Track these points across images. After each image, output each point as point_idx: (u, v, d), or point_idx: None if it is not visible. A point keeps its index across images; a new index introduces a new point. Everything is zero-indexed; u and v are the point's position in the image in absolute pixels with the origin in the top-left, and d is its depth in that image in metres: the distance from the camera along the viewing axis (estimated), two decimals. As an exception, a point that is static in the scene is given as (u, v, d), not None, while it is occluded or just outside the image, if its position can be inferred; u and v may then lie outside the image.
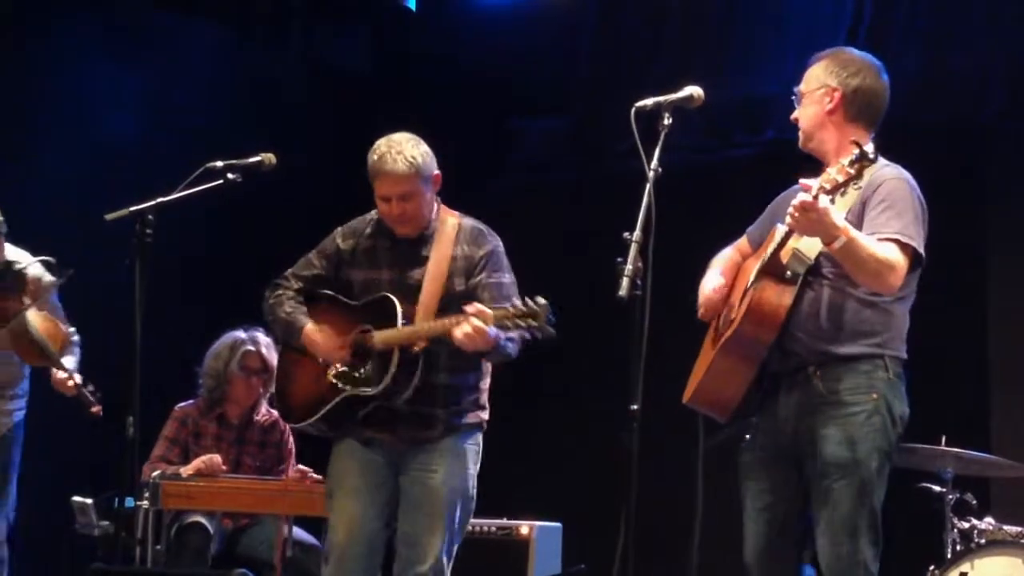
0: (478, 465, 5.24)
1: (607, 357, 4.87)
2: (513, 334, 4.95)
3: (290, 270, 5.36)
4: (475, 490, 5.23)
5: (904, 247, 4.43)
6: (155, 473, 6.28)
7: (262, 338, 6.78)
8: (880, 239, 4.41)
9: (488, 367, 5.26)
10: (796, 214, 4.29)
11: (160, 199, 5.23)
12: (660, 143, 4.44)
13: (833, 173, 4.26)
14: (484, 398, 5.27)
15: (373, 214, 5.28)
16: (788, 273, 4.53)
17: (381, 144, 5.15)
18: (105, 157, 7.76)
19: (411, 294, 5.11)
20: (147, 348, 5.12)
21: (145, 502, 6.12)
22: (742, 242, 4.92)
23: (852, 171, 4.21)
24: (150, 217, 5.19)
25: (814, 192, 4.26)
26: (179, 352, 6.93)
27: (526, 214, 5.25)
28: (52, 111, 7.76)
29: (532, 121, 8.78)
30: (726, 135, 8.00)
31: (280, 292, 5.31)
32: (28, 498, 5.87)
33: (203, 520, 6.51)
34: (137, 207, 5.20)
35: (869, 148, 4.22)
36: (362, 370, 5.11)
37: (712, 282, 4.81)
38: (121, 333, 5.33)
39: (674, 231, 4.53)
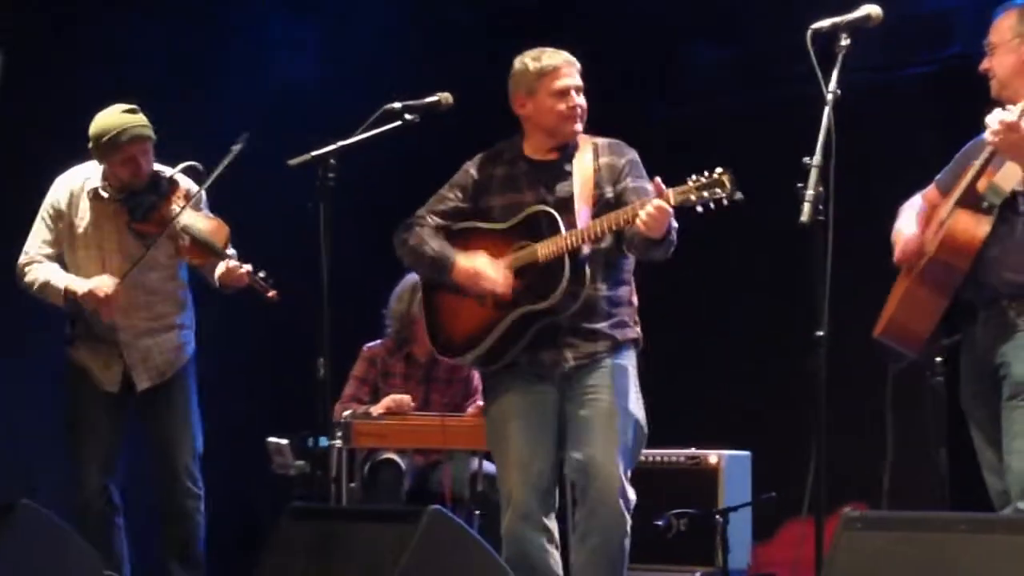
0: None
1: (790, 284, 4.82)
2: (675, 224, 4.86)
3: (422, 209, 5.28)
4: (643, 406, 5.14)
5: None
6: (346, 413, 6.39)
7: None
8: None
9: (634, 283, 5.20)
10: (1000, 131, 4.25)
11: (341, 143, 5.29)
12: (838, 65, 4.39)
13: None
14: (636, 314, 5.20)
15: (503, 143, 5.25)
16: (984, 204, 4.51)
17: (528, 52, 5.15)
18: (285, 102, 7.87)
19: (562, 207, 5.04)
20: (334, 290, 5.21)
21: (338, 441, 6.24)
22: (930, 191, 4.88)
23: None
24: (332, 161, 5.26)
25: (1017, 114, 4.22)
26: (365, 292, 7.02)
27: (699, 143, 5.19)
28: (231, 59, 7.89)
29: (704, 48, 8.69)
30: (908, 53, 7.83)
31: (419, 229, 5.21)
32: (225, 440, 6.01)
33: (395, 457, 6.62)
34: (319, 151, 5.27)
35: None
36: (527, 287, 5.03)
37: (908, 227, 4.77)
38: (308, 276, 5.44)
39: (854, 154, 4.47)
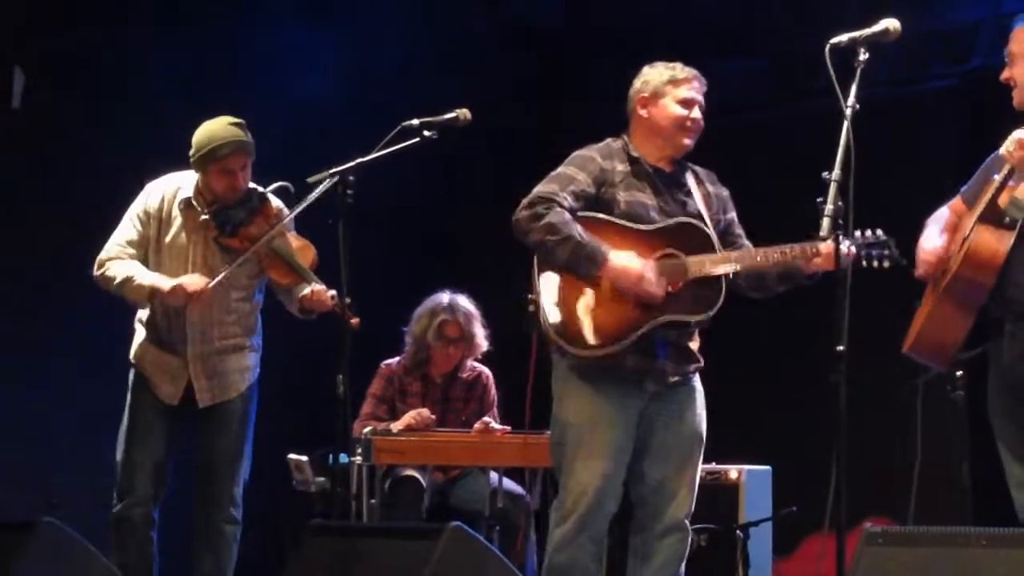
0: None
1: (811, 298, 4.82)
2: None
3: (550, 186, 4.96)
4: None
5: None
6: (367, 429, 6.39)
7: (462, 306, 6.82)
8: None
9: None
10: (1015, 149, 4.26)
11: (359, 159, 5.30)
12: (856, 79, 4.39)
13: None
14: None
15: (610, 141, 5.14)
16: (1007, 219, 4.51)
17: (658, 63, 5.14)
18: (303, 119, 7.89)
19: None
20: (354, 307, 5.20)
21: (358, 458, 6.24)
22: (956, 202, 4.87)
23: None
24: (351, 178, 5.27)
25: None
26: (384, 309, 7.03)
27: (720, 156, 5.20)
28: (251, 76, 7.91)
29: (726, 63, 8.69)
30: (926, 67, 7.82)
31: (559, 210, 4.89)
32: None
33: (416, 474, 6.62)
34: (337, 168, 5.28)
35: None
36: (676, 295, 4.92)
37: (932, 241, 4.76)
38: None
39: (874, 168, 4.47)
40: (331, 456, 5.60)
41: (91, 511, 5.96)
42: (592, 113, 5.17)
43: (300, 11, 8.25)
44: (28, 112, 7.21)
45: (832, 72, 4.35)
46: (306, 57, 8.25)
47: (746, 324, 7.69)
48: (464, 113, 5.41)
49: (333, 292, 5.61)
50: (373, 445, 6.26)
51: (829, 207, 4.28)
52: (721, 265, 4.93)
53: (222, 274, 5.68)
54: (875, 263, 4.78)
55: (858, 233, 4.76)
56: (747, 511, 6.96)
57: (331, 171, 5.28)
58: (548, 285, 4.98)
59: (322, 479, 6.55)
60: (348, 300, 5.41)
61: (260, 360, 5.96)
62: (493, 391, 6.89)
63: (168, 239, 5.80)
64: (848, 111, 4.35)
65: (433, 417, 6.62)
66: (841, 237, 4.46)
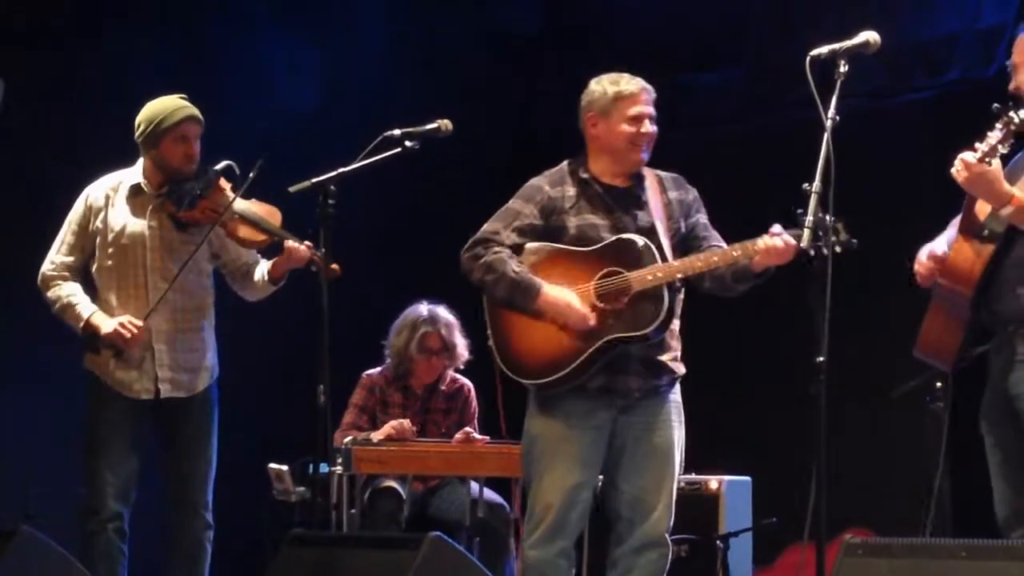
0: None
1: (791, 309, 4.83)
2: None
3: (495, 224, 5.07)
4: None
5: None
6: (347, 439, 6.39)
7: (443, 316, 6.82)
8: None
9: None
10: (961, 169, 4.32)
11: (341, 170, 5.30)
12: (836, 91, 4.41)
13: (990, 135, 4.29)
14: None
15: (568, 164, 5.15)
16: (985, 232, 4.53)
17: (605, 76, 5.09)
18: (284, 129, 7.89)
19: (647, 237, 4.98)
20: (333, 316, 5.20)
21: (339, 468, 6.23)
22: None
23: (1000, 132, 4.30)
24: (332, 188, 5.27)
25: (978, 155, 4.28)
26: (365, 319, 7.03)
27: (700, 168, 5.21)
28: (231, 85, 7.91)
29: (704, 75, 8.71)
30: (905, 79, 7.85)
31: (497, 248, 5.01)
32: (226, 466, 6.00)
33: (395, 484, 6.61)
34: (319, 178, 5.28)
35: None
36: (619, 313, 4.92)
37: (929, 249, 4.78)
38: (308, 303, 5.44)
39: (854, 180, 4.48)
40: (311, 466, 5.60)
41: (69, 522, 5.92)
42: (569, 121, 5.16)
43: (280, 19, 8.25)
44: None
45: (812, 84, 4.37)
46: (287, 66, 8.25)
47: (726, 334, 7.72)
48: (445, 124, 5.42)
49: (308, 243, 5.61)
50: (353, 455, 6.25)
51: (809, 218, 4.30)
52: (662, 275, 4.90)
53: (157, 300, 5.65)
54: (824, 250, 4.52)
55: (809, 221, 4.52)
56: (727, 521, 6.96)
57: (313, 180, 5.28)
58: (497, 321, 5.08)
59: (302, 489, 6.53)
60: (323, 250, 5.43)
61: (234, 365, 5.95)
62: (474, 403, 6.88)
63: (119, 231, 5.75)
64: (828, 123, 4.36)
65: (413, 428, 6.62)
66: (781, 229, 4.55)
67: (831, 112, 4.38)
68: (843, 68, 4.44)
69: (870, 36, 4.51)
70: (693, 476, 7.00)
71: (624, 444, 5.01)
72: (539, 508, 4.99)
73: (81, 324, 5.69)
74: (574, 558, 5.06)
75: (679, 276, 4.94)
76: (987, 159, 4.34)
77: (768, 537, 7.04)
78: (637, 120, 5.04)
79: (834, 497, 4.29)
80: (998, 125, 4.35)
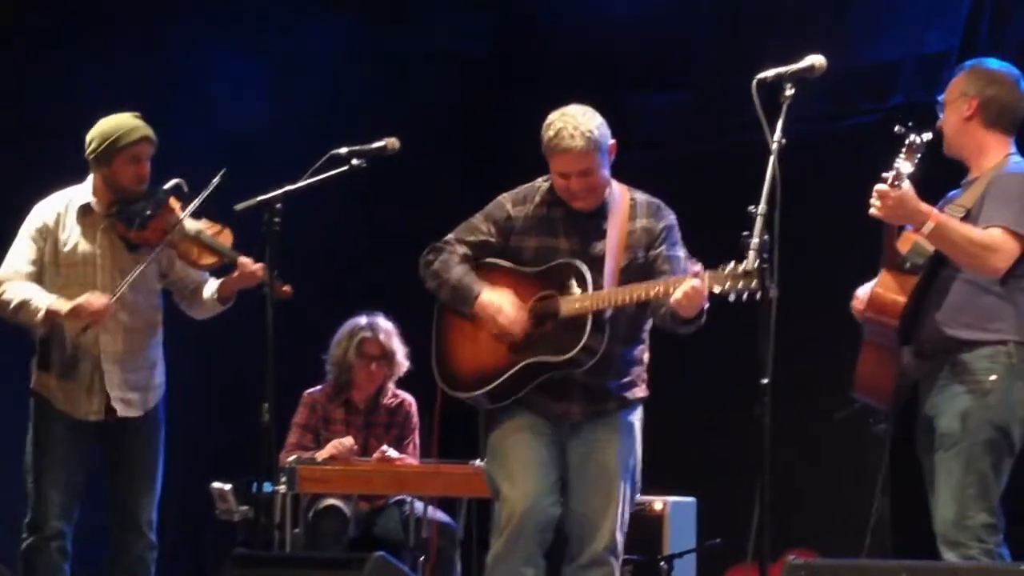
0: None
1: (736, 331, 4.85)
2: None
3: (452, 235, 5.15)
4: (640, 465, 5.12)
5: (1012, 234, 4.54)
6: (291, 458, 6.37)
7: (382, 324, 6.83)
8: (984, 227, 4.53)
9: (648, 342, 5.17)
10: (876, 200, 4.40)
11: (287, 187, 5.29)
12: (783, 114, 4.44)
13: (896, 161, 4.40)
14: (646, 373, 5.17)
15: (540, 182, 5.14)
16: (907, 264, 4.65)
17: (555, 119, 4.98)
18: (231, 146, 7.85)
19: (594, 264, 4.97)
20: (277, 335, 5.18)
21: (283, 487, 6.21)
22: None
23: (903, 155, 4.48)
24: (278, 206, 5.26)
25: (889, 181, 4.37)
26: (308, 338, 7.01)
27: (646, 190, 5.21)
28: (177, 102, 7.87)
29: (652, 97, 8.74)
30: (851, 103, 7.91)
31: (446, 255, 5.10)
32: (168, 485, 5.97)
33: (339, 504, 6.60)
34: (265, 196, 5.27)
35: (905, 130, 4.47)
36: (545, 337, 4.96)
37: (867, 285, 4.85)
38: (252, 321, 5.42)
39: (799, 202, 4.51)
40: (255, 485, 5.57)
41: (10, 537, 5.86)
42: (518, 142, 5.16)
43: (229, 38, 8.22)
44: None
45: (759, 106, 4.40)
46: (233, 83, 8.22)
47: (671, 356, 7.73)
48: (392, 142, 5.42)
49: (261, 264, 5.58)
50: (297, 474, 6.23)
51: (755, 240, 4.33)
52: (588, 304, 4.90)
53: (134, 273, 5.61)
54: (743, 297, 4.53)
55: (730, 266, 4.54)
56: (671, 542, 6.99)
57: (259, 198, 5.27)
58: (441, 328, 5.15)
59: (245, 508, 6.50)
60: (275, 271, 5.39)
61: (179, 385, 5.90)
62: (415, 418, 6.88)
63: (69, 251, 5.72)
64: (774, 145, 4.39)
65: (356, 447, 6.60)
66: (704, 271, 4.56)
67: (777, 135, 4.41)
68: (789, 91, 4.47)
69: (816, 60, 4.55)
70: (638, 497, 7.01)
71: (574, 463, 5.03)
72: (503, 517, 5.00)
73: (41, 315, 5.60)
74: (544, 567, 5.03)
75: (604, 307, 4.92)
76: (897, 183, 4.44)
77: (712, 558, 7.06)
78: (563, 176, 5.02)
79: (778, 518, 4.31)
80: (902, 149, 4.46)
